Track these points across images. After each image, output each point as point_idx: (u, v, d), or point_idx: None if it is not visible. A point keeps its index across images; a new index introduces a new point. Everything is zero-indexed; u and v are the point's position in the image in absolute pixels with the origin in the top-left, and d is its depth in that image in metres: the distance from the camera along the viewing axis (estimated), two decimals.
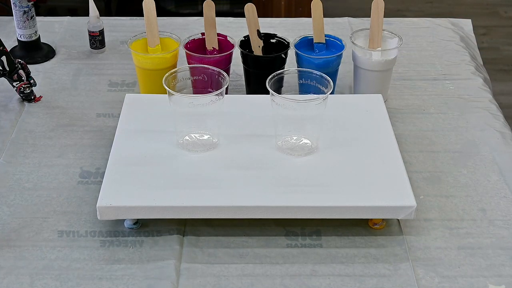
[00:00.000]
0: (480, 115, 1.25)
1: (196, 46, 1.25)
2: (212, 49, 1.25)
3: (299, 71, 1.14)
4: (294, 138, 1.08)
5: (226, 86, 1.08)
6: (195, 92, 1.14)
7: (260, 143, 1.08)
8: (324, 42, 1.25)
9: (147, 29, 1.23)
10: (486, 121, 1.23)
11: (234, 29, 1.46)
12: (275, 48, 1.25)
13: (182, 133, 1.08)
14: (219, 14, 1.28)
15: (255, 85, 1.24)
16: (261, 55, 1.24)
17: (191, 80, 1.14)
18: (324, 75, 1.08)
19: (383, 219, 1.01)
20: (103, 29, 1.40)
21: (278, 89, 1.13)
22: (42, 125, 1.21)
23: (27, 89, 1.24)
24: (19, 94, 1.25)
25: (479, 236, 1.00)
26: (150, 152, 1.07)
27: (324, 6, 1.25)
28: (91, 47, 1.41)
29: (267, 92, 1.04)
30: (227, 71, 1.23)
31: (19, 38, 1.38)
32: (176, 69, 1.11)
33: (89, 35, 1.40)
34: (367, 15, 1.31)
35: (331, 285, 0.92)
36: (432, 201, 1.06)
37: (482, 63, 1.47)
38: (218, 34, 1.26)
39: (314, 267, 0.95)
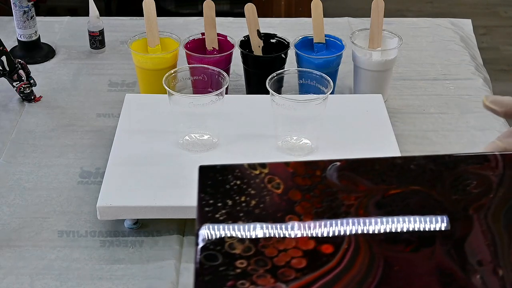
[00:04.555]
0: (480, 115, 1.25)
1: (196, 46, 1.25)
2: (212, 49, 1.25)
3: (299, 71, 1.14)
4: (294, 138, 1.08)
5: (226, 86, 1.08)
6: (195, 92, 1.14)
7: (260, 143, 1.08)
8: (324, 42, 1.25)
9: (147, 29, 1.23)
10: (486, 121, 1.23)
11: (234, 29, 1.46)
12: (275, 48, 1.25)
13: (182, 133, 1.08)
14: (219, 14, 1.28)
15: (255, 85, 1.24)
16: (261, 55, 1.24)
17: (191, 80, 1.14)
18: (324, 75, 1.08)
19: None
20: (103, 29, 1.40)
21: (278, 89, 1.13)
22: (42, 125, 1.21)
23: (27, 89, 1.24)
24: (19, 94, 1.25)
25: None
26: (150, 152, 1.07)
27: (324, 6, 1.25)
28: (91, 47, 1.41)
29: (267, 92, 1.04)
30: (227, 71, 1.23)
31: (19, 38, 1.38)
32: (176, 69, 1.11)
33: (89, 35, 1.40)
34: (367, 15, 1.31)
35: None
36: None
37: (482, 63, 1.47)
38: (218, 34, 1.26)
39: None
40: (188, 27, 1.51)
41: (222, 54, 1.22)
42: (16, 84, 1.23)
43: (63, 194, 1.06)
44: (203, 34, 1.26)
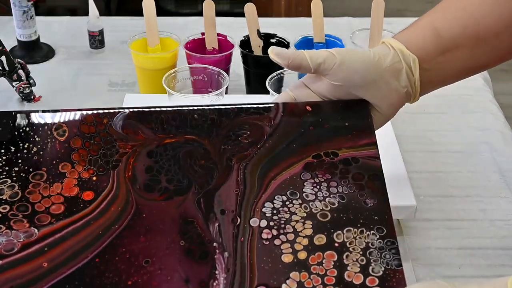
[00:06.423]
0: (480, 115, 1.25)
1: (196, 46, 1.25)
2: (212, 49, 1.25)
3: None
4: None
5: (226, 86, 1.08)
6: (195, 92, 1.14)
7: None
8: (324, 42, 1.25)
9: (147, 29, 1.23)
10: (486, 121, 1.23)
11: (234, 29, 1.45)
12: None
13: None
14: (219, 14, 1.28)
15: (255, 85, 1.24)
16: (261, 55, 1.24)
17: (191, 80, 1.14)
18: None
19: None
20: (103, 29, 1.40)
21: (278, 89, 1.13)
22: None
23: (27, 89, 1.24)
24: (18, 94, 1.25)
25: (479, 236, 1.00)
26: None
27: (324, 6, 1.25)
28: (91, 47, 1.41)
29: (267, 92, 1.04)
30: (227, 71, 1.22)
31: (19, 38, 1.38)
32: (176, 69, 1.11)
33: (89, 35, 1.40)
34: (367, 15, 1.31)
35: None
36: (432, 201, 1.06)
37: None
38: (218, 34, 1.26)
39: None
40: (188, 27, 1.50)
41: (222, 54, 1.22)
42: (16, 84, 1.23)
43: None
44: (203, 34, 1.26)
